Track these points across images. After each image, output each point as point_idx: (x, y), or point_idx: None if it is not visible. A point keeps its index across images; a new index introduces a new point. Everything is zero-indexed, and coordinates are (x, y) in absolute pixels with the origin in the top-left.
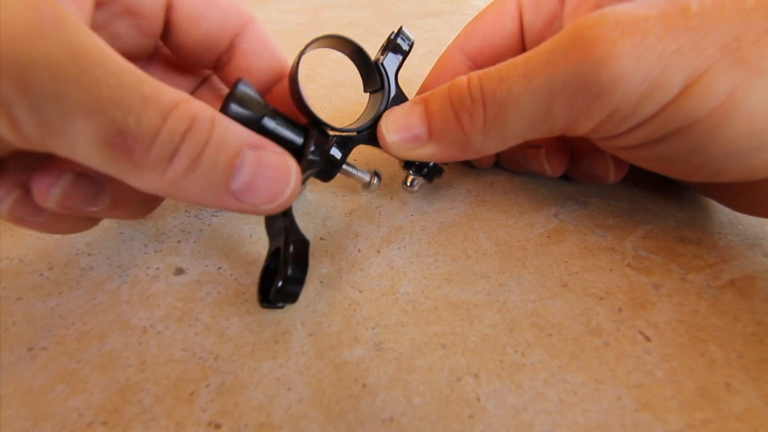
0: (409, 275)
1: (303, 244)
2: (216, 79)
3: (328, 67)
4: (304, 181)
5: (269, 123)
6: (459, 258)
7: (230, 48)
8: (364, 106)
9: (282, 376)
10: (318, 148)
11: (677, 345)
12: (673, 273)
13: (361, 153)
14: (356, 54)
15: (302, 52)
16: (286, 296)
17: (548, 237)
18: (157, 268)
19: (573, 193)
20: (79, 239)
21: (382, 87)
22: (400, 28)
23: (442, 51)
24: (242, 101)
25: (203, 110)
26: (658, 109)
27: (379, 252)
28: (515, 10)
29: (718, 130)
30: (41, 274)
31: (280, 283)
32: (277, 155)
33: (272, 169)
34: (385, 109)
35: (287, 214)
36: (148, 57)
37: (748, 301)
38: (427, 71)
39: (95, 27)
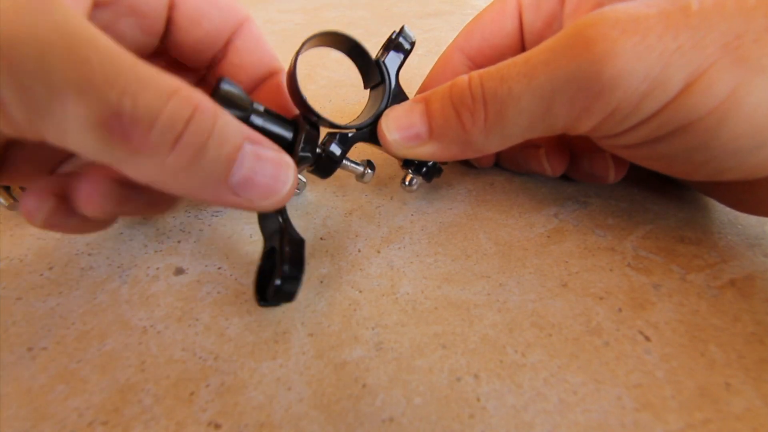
0: (409, 275)
1: (299, 243)
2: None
3: (328, 67)
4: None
5: (257, 120)
6: (459, 258)
7: (225, 46)
8: (364, 106)
9: (282, 376)
10: (309, 141)
11: (677, 345)
12: (673, 273)
13: (361, 152)
14: (354, 50)
15: (300, 50)
16: (284, 295)
17: (548, 237)
18: (157, 268)
19: (573, 193)
20: (79, 239)
21: (383, 81)
22: (402, 27)
23: (442, 51)
24: (227, 99)
25: (205, 100)
26: (659, 107)
27: (379, 252)
28: (515, 9)
29: (719, 129)
30: (41, 274)
31: (278, 282)
32: (274, 151)
33: (270, 164)
34: (386, 107)
35: (282, 212)
36: (148, 57)
37: (748, 301)
38: (427, 71)
39: (99, 27)
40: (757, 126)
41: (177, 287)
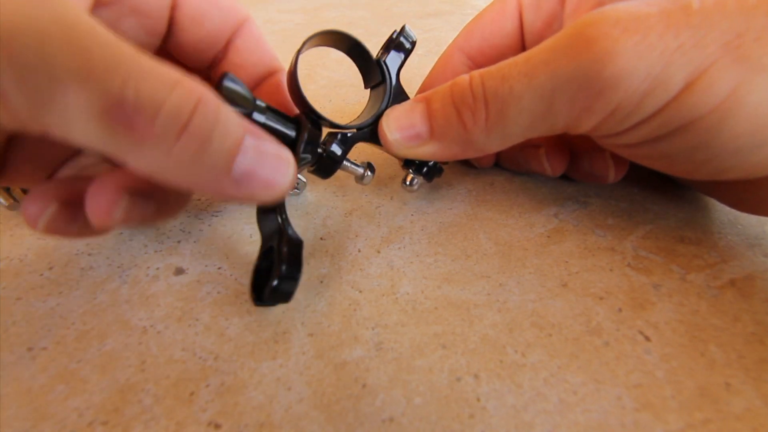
0: (409, 275)
1: (297, 244)
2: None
3: (328, 67)
4: (298, 172)
5: (259, 117)
6: (459, 258)
7: (225, 46)
8: (364, 106)
9: (282, 376)
10: (311, 140)
11: (677, 345)
12: (673, 273)
13: (361, 152)
14: (354, 49)
15: (300, 49)
16: (281, 296)
17: (548, 237)
18: (157, 268)
19: (573, 193)
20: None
21: (384, 80)
22: (403, 26)
23: (442, 51)
24: (231, 93)
25: (207, 92)
26: (660, 106)
27: (379, 252)
28: (515, 9)
29: (720, 128)
30: (41, 274)
31: (275, 283)
32: (275, 145)
33: (271, 158)
34: (387, 107)
35: (281, 212)
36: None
37: (748, 301)
38: (427, 71)
39: None
40: (758, 125)
41: (177, 287)
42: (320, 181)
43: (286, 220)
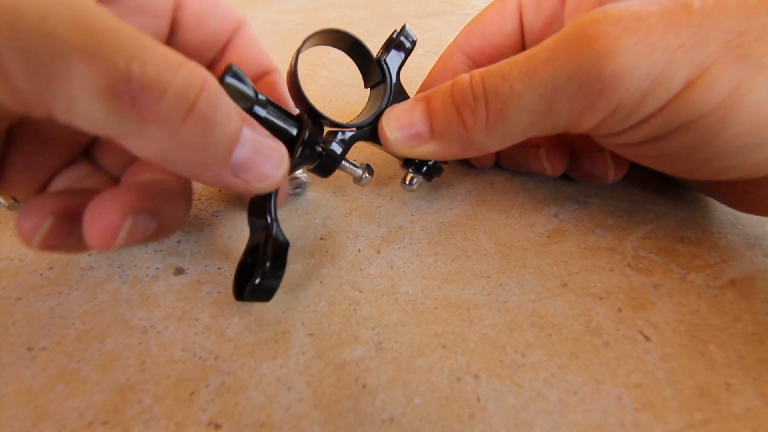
0: (409, 275)
1: (283, 244)
2: None
3: (328, 67)
4: (295, 169)
5: (260, 111)
6: (459, 258)
7: (223, 47)
8: (364, 106)
9: (282, 376)
10: (312, 137)
11: (677, 345)
12: (673, 273)
13: (361, 152)
14: (355, 48)
15: (301, 47)
16: (261, 294)
17: (548, 237)
18: (157, 268)
19: (573, 193)
20: None
21: (384, 79)
22: (404, 26)
23: (442, 51)
24: (235, 85)
25: (210, 76)
26: (662, 105)
27: (379, 252)
28: (515, 9)
29: (721, 127)
30: (41, 274)
31: (257, 281)
32: (270, 139)
33: (267, 149)
34: (387, 106)
35: (271, 211)
36: None
37: (748, 301)
38: (427, 71)
39: None
40: (759, 124)
41: (177, 287)
42: (320, 181)
43: (274, 219)
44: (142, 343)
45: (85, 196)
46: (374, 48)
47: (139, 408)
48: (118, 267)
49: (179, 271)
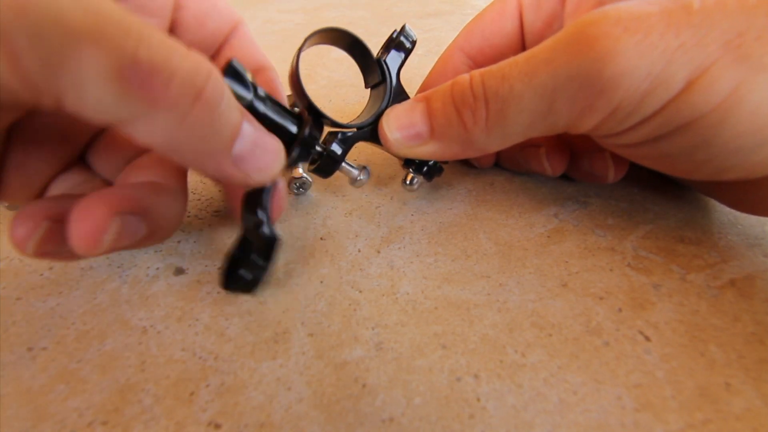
0: (409, 275)
1: (271, 238)
2: None
3: (328, 67)
4: (292, 163)
5: (259, 106)
6: (459, 258)
7: (220, 46)
8: (364, 106)
9: (282, 376)
10: (312, 135)
11: (677, 345)
12: (673, 273)
13: (361, 152)
14: (355, 47)
15: (302, 47)
16: (244, 285)
17: (548, 237)
18: (157, 268)
19: (573, 193)
20: None
21: (384, 80)
22: (404, 26)
23: (442, 51)
24: (235, 78)
25: (214, 67)
26: (661, 105)
27: (379, 252)
28: (515, 9)
29: (721, 127)
30: (41, 274)
31: (241, 272)
32: (267, 133)
33: (265, 141)
34: (387, 106)
35: (264, 206)
36: None
37: (748, 301)
38: (427, 71)
39: None
40: (759, 124)
41: (177, 287)
42: (320, 181)
43: (266, 215)
44: (142, 343)
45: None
46: (374, 48)
47: (139, 408)
48: (118, 267)
49: (179, 271)
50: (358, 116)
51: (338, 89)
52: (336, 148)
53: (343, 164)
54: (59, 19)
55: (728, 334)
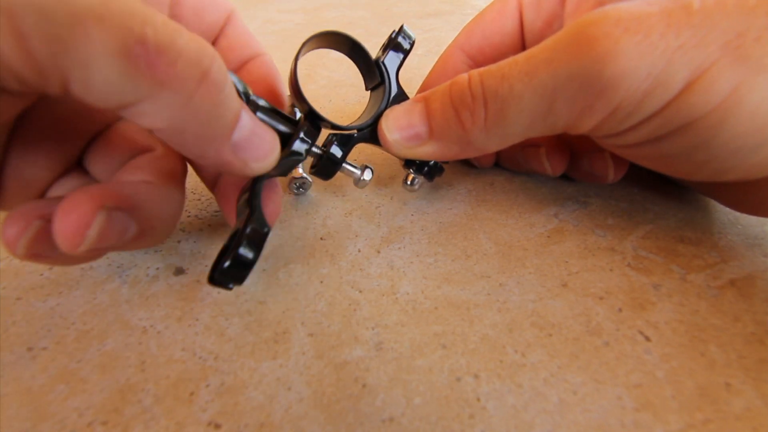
0: (409, 275)
1: (260, 229)
2: None
3: (328, 67)
4: (289, 165)
5: (257, 113)
6: (459, 258)
7: (217, 36)
8: (365, 106)
9: (282, 376)
10: (308, 137)
11: (677, 345)
12: (673, 273)
13: (361, 152)
14: (354, 50)
15: (300, 51)
16: (231, 277)
17: (548, 237)
18: (157, 268)
19: (573, 193)
20: None
21: (383, 81)
22: (401, 26)
23: (442, 51)
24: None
25: (217, 53)
26: (661, 106)
27: (379, 252)
28: (516, 9)
29: (721, 128)
30: (41, 274)
31: (226, 264)
32: (263, 124)
33: (261, 130)
34: (386, 107)
35: (256, 198)
36: None
37: (748, 301)
38: (427, 71)
39: None
40: (758, 125)
41: (177, 287)
42: (320, 181)
43: (257, 206)
44: (142, 343)
45: None
46: (374, 49)
47: (139, 408)
48: (118, 267)
49: (179, 271)
50: (359, 118)
51: (338, 89)
52: (336, 151)
53: (345, 165)
54: (66, 1)
55: (728, 334)
